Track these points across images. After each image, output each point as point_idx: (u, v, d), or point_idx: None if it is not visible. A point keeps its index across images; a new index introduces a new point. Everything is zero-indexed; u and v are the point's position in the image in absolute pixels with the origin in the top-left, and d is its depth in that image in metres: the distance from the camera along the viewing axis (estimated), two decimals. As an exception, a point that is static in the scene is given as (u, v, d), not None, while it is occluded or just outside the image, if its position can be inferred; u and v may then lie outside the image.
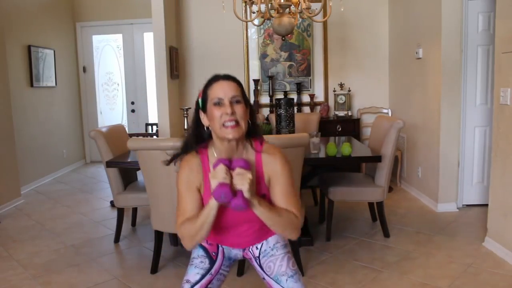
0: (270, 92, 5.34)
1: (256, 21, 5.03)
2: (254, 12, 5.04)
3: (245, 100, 1.48)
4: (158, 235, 2.90)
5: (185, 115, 3.57)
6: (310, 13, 3.44)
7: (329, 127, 5.07)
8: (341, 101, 5.26)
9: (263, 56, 5.43)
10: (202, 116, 1.50)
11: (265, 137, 1.64)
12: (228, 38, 5.41)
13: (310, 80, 5.46)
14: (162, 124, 4.90)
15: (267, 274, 1.63)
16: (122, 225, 3.45)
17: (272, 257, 1.63)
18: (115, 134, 3.52)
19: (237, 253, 1.72)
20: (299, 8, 3.44)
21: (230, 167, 1.39)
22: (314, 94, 5.37)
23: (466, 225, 3.60)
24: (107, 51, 7.07)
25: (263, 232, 1.62)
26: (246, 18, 5.23)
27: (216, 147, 1.51)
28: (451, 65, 3.82)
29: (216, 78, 1.47)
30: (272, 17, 3.46)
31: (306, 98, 5.40)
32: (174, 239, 3.29)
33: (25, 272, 2.93)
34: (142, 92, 6.97)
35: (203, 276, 1.62)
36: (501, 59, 2.94)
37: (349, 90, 5.31)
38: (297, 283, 1.58)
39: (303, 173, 2.76)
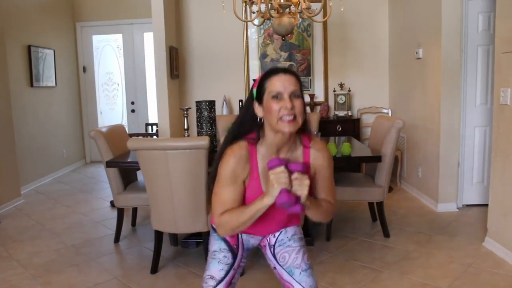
0: (270, 92, 5.32)
1: (256, 21, 5.02)
2: (254, 12, 5.04)
3: (302, 94, 1.48)
4: (158, 235, 2.90)
5: (185, 115, 3.57)
6: (310, 13, 3.44)
7: (329, 127, 5.07)
8: (341, 101, 5.26)
9: (263, 56, 5.43)
10: (256, 106, 1.48)
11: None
12: (228, 38, 5.41)
13: (310, 80, 5.46)
14: (162, 124, 4.90)
15: (279, 264, 1.62)
16: (122, 225, 3.45)
17: (288, 248, 1.63)
18: (115, 134, 3.52)
19: (254, 242, 1.71)
20: (299, 8, 3.44)
21: (287, 168, 1.38)
22: (314, 94, 5.37)
23: (466, 225, 3.60)
24: (107, 51, 7.07)
25: (287, 221, 1.65)
26: (246, 18, 5.23)
27: (266, 139, 1.49)
28: (451, 65, 3.82)
29: (275, 71, 1.45)
30: (272, 17, 3.46)
31: (306, 98, 5.36)
32: (174, 239, 3.30)
33: (25, 272, 2.93)
34: (142, 92, 6.97)
35: (227, 272, 1.60)
36: (501, 59, 2.94)
37: (349, 90, 5.31)
38: (309, 278, 1.57)
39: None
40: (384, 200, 3.35)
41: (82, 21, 6.84)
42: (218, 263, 1.61)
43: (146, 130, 6.23)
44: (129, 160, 3.15)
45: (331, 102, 5.44)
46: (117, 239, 3.44)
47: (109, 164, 3.08)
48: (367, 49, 5.40)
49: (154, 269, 2.87)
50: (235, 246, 1.66)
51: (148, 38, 6.70)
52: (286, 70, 1.46)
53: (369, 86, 5.43)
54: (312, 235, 3.32)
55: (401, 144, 4.88)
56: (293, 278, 1.57)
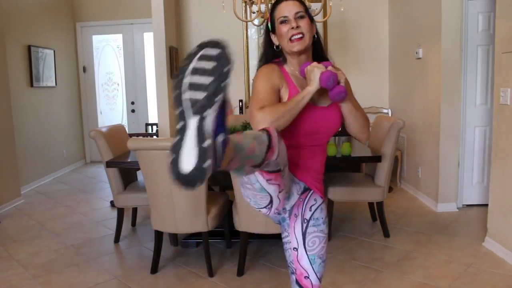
0: (270, 92, 5.32)
1: (256, 21, 5.02)
2: (254, 12, 5.04)
3: (309, 15, 1.56)
4: (158, 235, 2.89)
5: (185, 115, 3.57)
6: (310, 13, 3.43)
7: (329, 127, 5.06)
8: (341, 101, 5.25)
9: (263, 56, 5.42)
10: (273, 37, 1.60)
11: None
12: (228, 38, 5.32)
13: (310, 80, 5.45)
14: (162, 124, 4.91)
15: (305, 247, 1.53)
16: (122, 225, 3.45)
17: (321, 233, 1.55)
18: (115, 134, 3.52)
19: (294, 192, 1.53)
20: (299, 8, 3.44)
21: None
22: (314, 94, 5.36)
23: (466, 225, 3.60)
24: (107, 51, 7.07)
25: (324, 170, 1.61)
26: (246, 18, 5.23)
27: (289, 62, 1.59)
28: (451, 65, 3.82)
29: (279, 0, 1.57)
30: (272, 17, 3.46)
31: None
32: (174, 239, 3.30)
33: (25, 272, 2.93)
34: (142, 92, 6.97)
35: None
36: (501, 59, 2.94)
37: (349, 90, 5.30)
38: (324, 269, 1.58)
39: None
40: (384, 200, 3.35)
41: (82, 21, 6.84)
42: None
43: (146, 130, 6.23)
44: (129, 160, 3.15)
45: (331, 102, 5.43)
46: (117, 239, 3.44)
47: (109, 164, 3.08)
48: (367, 49, 5.40)
49: (154, 269, 2.87)
50: (283, 211, 1.55)
51: (148, 38, 6.70)
52: None
53: (369, 86, 5.43)
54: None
55: (401, 144, 4.88)
56: (312, 267, 1.53)
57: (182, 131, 0.98)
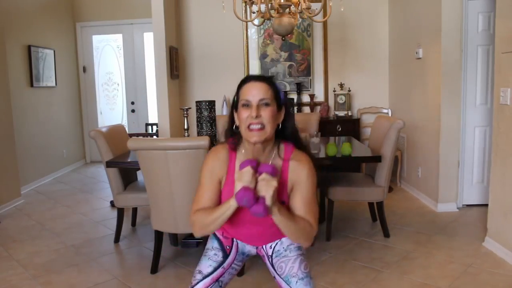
0: (270, 92, 5.32)
1: (256, 21, 5.02)
2: (254, 12, 5.04)
3: (278, 103, 1.45)
4: (158, 235, 2.89)
5: (185, 115, 3.57)
6: (310, 13, 3.44)
7: (329, 127, 5.07)
8: (341, 101, 5.26)
9: (263, 56, 5.43)
10: (234, 114, 1.50)
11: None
12: (228, 38, 5.41)
13: (310, 80, 5.46)
14: (162, 124, 4.91)
15: (278, 274, 1.63)
16: (122, 225, 3.45)
17: (285, 258, 1.63)
18: (115, 134, 3.52)
19: (250, 249, 1.72)
20: (299, 8, 3.44)
21: (257, 170, 1.38)
22: (314, 94, 5.37)
23: (466, 225, 3.60)
24: (107, 51, 7.07)
25: (278, 233, 1.60)
26: (246, 18, 5.23)
27: (244, 147, 1.51)
28: (451, 65, 3.82)
29: (248, 79, 1.46)
30: (272, 17, 3.46)
31: (306, 98, 5.40)
32: (174, 239, 3.30)
33: (25, 272, 2.93)
34: (142, 92, 6.97)
35: (215, 269, 1.64)
36: (501, 59, 2.94)
37: (349, 90, 5.31)
38: (306, 286, 1.56)
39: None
40: (384, 200, 3.35)
41: (82, 21, 6.84)
42: (207, 259, 1.66)
43: (146, 130, 6.23)
44: (129, 160, 3.15)
45: (331, 102, 5.44)
46: (117, 239, 3.44)
47: (109, 164, 3.08)
48: (367, 49, 5.40)
49: (154, 269, 2.87)
50: (227, 247, 1.68)
51: (148, 38, 6.70)
52: (258, 78, 1.45)
53: (369, 86, 5.43)
54: (312, 235, 3.32)
55: (401, 144, 4.88)
56: (290, 286, 1.58)
57: None
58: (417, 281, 2.64)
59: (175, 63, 5.15)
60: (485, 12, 3.75)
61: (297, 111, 5.27)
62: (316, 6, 4.09)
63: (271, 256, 1.67)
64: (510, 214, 2.88)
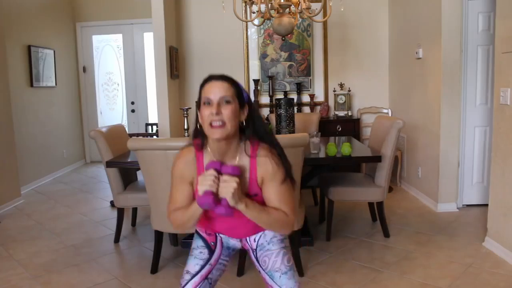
0: (270, 92, 5.34)
1: (256, 21, 5.03)
2: (254, 12, 5.04)
3: (240, 101, 1.48)
4: (158, 235, 2.90)
5: (185, 115, 3.57)
6: (310, 13, 3.44)
7: (329, 127, 5.07)
8: (341, 101, 5.26)
9: (263, 56, 5.43)
10: (198, 113, 1.53)
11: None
12: (228, 38, 5.41)
13: (310, 80, 5.46)
14: (162, 124, 4.90)
15: (262, 268, 1.65)
16: (122, 225, 3.45)
17: (268, 252, 1.64)
18: (115, 134, 3.52)
19: (235, 243, 1.73)
20: (299, 8, 3.44)
21: (220, 171, 1.42)
22: (314, 94, 5.37)
23: (466, 225, 3.60)
24: (107, 51, 7.07)
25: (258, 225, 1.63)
26: (246, 18, 5.23)
27: (209, 146, 1.54)
28: (451, 65, 3.82)
29: (209, 79, 1.48)
30: (272, 17, 3.46)
31: (306, 98, 5.40)
32: (174, 239, 3.29)
33: (25, 272, 2.93)
34: (142, 92, 6.97)
35: (202, 267, 1.65)
36: (501, 59, 2.94)
37: (349, 90, 5.31)
38: (290, 280, 1.58)
39: (303, 173, 2.76)
40: (384, 200, 3.35)
41: (82, 21, 6.85)
42: (194, 258, 1.68)
43: (146, 130, 6.23)
44: (129, 160, 3.15)
45: (331, 102, 5.44)
46: (117, 239, 3.44)
47: (109, 164, 3.08)
48: (367, 49, 5.40)
49: (154, 269, 2.87)
50: (212, 244, 1.70)
51: (148, 38, 6.70)
52: (219, 77, 1.47)
53: (369, 86, 5.43)
54: (312, 235, 3.32)
55: (401, 144, 4.88)
56: (274, 282, 1.59)
57: None
58: (417, 281, 2.64)
59: (175, 63, 5.15)
60: (485, 12, 3.75)
61: (297, 111, 5.27)
62: (316, 6, 4.10)
63: (256, 250, 1.68)
64: (510, 214, 2.88)
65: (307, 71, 5.45)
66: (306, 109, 5.42)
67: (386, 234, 3.37)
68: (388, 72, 5.40)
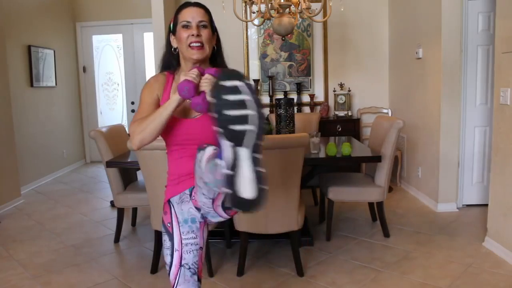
0: (270, 92, 5.34)
1: (256, 21, 5.03)
2: (254, 12, 5.04)
3: (212, 27, 1.59)
4: (158, 235, 2.89)
5: (185, 115, 3.57)
6: (310, 13, 3.44)
7: (329, 127, 5.07)
8: (341, 101, 5.26)
9: (263, 56, 5.43)
10: (172, 38, 1.63)
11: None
12: (228, 38, 5.37)
13: (310, 80, 5.46)
14: (162, 124, 4.90)
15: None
16: (122, 225, 3.45)
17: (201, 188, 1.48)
18: (115, 134, 3.52)
19: (192, 211, 1.54)
20: (299, 8, 3.44)
21: (202, 74, 1.46)
22: (314, 94, 5.37)
23: (466, 225, 3.60)
24: (107, 51, 7.07)
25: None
26: (246, 18, 5.23)
27: (182, 69, 1.61)
28: (451, 65, 3.82)
29: (186, 4, 1.58)
30: (272, 17, 3.46)
31: (306, 98, 5.40)
32: (174, 239, 3.29)
33: (25, 272, 2.93)
34: (142, 92, 6.96)
35: (171, 256, 1.54)
36: (501, 59, 2.94)
37: (349, 90, 5.31)
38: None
39: (303, 173, 2.76)
40: (384, 200, 3.35)
41: (82, 21, 6.85)
42: (164, 250, 1.57)
43: (146, 130, 6.22)
44: (129, 160, 3.15)
45: (331, 102, 5.44)
46: (117, 239, 3.44)
47: (109, 164, 3.08)
48: (367, 49, 5.40)
49: (154, 269, 2.87)
50: (168, 225, 1.56)
51: (148, 38, 6.70)
52: (195, 3, 1.58)
53: (369, 86, 5.43)
54: (312, 235, 3.32)
55: (401, 144, 4.88)
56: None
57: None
58: (417, 281, 2.64)
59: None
60: (485, 12, 3.75)
61: (297, 111, 5.27)
62: (316, 6, 4.10)
63: (200, 210, 1.53)
64: (510, 214, 2.88)
65: (307, 71, 5.45)
66: (306, 109, 5.42)
67: (386, 234, 3.38)
68: (388, 72, 5.40)
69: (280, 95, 5.38)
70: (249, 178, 1.14)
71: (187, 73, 1.45)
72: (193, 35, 1.51)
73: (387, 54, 5.38)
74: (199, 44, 1.52)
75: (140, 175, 3.13)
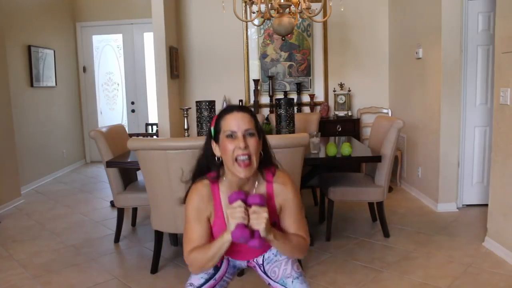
0: (270, 92, 5.34)
1: (256, 21, 5.03)
2: (254, 12, 5.05)
3: (258, 131, 1.45)
4: (158, 235, 2.90)
5: (185, 115, 3.57)
6: (310, 13, 3.44)
7: (329, 127, 5.07)
8: (341, 101, 5.26)
9: (263, 56, 5.43)
10: (214, 146, 1.48)
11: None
12: (228, 38, 5.41)
13: (310, 80, 5.46)
14: (162, 124, 4.91)
15: (272, 279, 1.63)
16: (122, 225, 3.45)
17: (276, 262, 1.64)
18: (115, 134, 3.52)
19: (241, 263, 1.74)
20: (299, 8, 3.44)
21: (246, 202, 1.38)
22: (314, 94, 5.37)
23: (466, 225, 3.60)
24: (107, 51, 7.07)
25: (269, 246, 1.61)
26: (246, 18, 5.23)
27: (227, 177, 1.49)
28: (451, 65, 3.82)
29: (230, 109, 1.44)
30: (272, 17, 3.46)
31: (306, 98, 5.40)
32: (174, 239, 3.30)
33: (25, 272, 2.93)
34: (142, 92, 6.97)
35: (206, 281, 1.63)
36: (501, 59, 2.94)
37: (349, 90, 5.31)
38: (303, 285, 1.57)
39: (303, 173, 2.76)
40: (384, 200, 3.35)
41: (82, 21, 6.85)
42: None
43: (146, 130, 6.23)
44: (129, 160, 3.15)
45: (331, 102, 5.44)
46: (117, 239, 3.44)
47: (109, 164, 3.08)
48: (367, 49, 5.40)
49: (154, 269, 2.87)
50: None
51: (148, 38, 6.70)
52: (240, 108, 1.45)
53: (369, 86, 5.43)
54: (312, 235, 3.32)
55: (401, 144, 4.88)
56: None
57: None
58: (417, 281, 2.64)
59: (175, 63, 5.15)
60: (485, 12, 3.75)
61: (297, 111, 5.27)
62: (316, 6, 4.10)
63: (262, 264, 1.67)
64: (510, 214, 2.88)
65: (307, 71, 5.45)
66: (306, 109, 5.42)
67: (386, 234, 3.37)
68: (388, 72, 5.40)
69: (280, 95, 5.38)
70: None
71: (232, 212, 1.35)
72: (240, 147, 1.38)
73: (387, 54, 5.38)
74: (246, 158, 1.38)
75: (140, 175, 3.13)
